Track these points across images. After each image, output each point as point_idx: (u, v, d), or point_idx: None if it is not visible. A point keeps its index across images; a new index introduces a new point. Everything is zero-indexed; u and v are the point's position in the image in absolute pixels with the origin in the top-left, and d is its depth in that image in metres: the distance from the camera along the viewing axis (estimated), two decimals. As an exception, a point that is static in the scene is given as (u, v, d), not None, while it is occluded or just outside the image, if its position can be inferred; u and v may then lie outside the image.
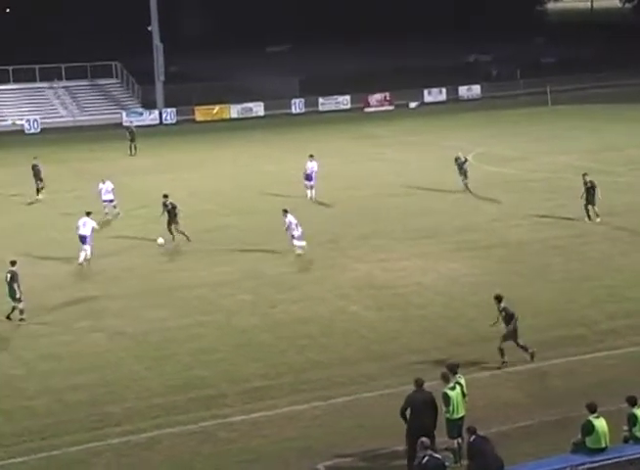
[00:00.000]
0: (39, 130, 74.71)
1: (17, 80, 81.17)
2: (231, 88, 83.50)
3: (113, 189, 41.14)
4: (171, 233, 36.36)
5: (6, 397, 22.60)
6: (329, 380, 22.93)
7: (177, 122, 77.62)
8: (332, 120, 74.79)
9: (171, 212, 36.40)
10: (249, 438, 20.25)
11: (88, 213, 34.88)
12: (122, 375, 23.69)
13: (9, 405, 22.10)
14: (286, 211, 34.09)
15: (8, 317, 27.86)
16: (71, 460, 19.54)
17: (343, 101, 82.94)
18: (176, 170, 53.15)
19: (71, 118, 78.77)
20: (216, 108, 79.88)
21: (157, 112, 78.78)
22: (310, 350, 25.01)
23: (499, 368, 23.06)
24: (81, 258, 33.82)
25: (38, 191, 45.27)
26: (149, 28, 78.93)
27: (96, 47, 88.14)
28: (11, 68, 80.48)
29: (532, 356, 23.35)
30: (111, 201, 40.82)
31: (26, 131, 74.49)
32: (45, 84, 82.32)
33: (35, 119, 75.77)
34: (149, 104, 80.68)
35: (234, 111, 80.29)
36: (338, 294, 29.60)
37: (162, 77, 79.66)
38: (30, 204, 44.87)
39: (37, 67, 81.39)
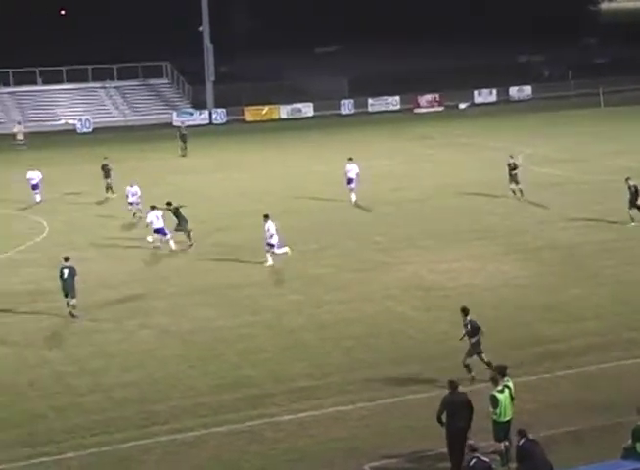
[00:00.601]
0: (91, 130, 75.59)
1: (70, 80, 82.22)
2: (280, 89, 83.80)
3: (137, 192, 41.44)
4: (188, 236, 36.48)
5: (58, 393, 22.90)
6: (376, 381, 22.91)
7: (227, 122, 78.14)
8: (381, 121, 74.76)
9: (179, 216, 36.52)
10: (295, 437, 20.31)
11: (153, 207, 35.96)
12: (170, 374, 23.88)
13: (61, 402, 22.38)
14: (267, 217, 33.27)
15: (71, 314, 28.27)
16: (121, 457, 19.74)
17: (393, 101, 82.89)
18: (226, 170, 53.52)
19: (123, 118, 79.58)
20: (266, 108, 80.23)
21: (207, 112, 79.35)
22: (357, 350, 25.01)
23: (470, 381, 22.06)
24: (173, 247, 35.54)
25: (107, 189, 45.91)
26: (199, 29, 79.51)
27: (147, 48, 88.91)
28: (64, 68, 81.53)
29: (472, 379, 22.12)
30: (137, 203, 41.01)
31: (79, 131, 75.42)
32: (97, 84, 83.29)
33: (87, 119, 76.70)
34: (199, 104, 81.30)
35: (283, 111, 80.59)
36: (385, 294, 29.58)
37: (213, 78, 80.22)
38: (100, 202, 45.31)
39: (90, 67, 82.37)
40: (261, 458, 19.54)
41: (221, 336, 26.48)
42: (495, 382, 18.74)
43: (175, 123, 72.86)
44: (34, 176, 45.48)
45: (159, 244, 35.99)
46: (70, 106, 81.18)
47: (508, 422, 18.45)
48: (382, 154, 56.39)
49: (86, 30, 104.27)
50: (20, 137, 66.83)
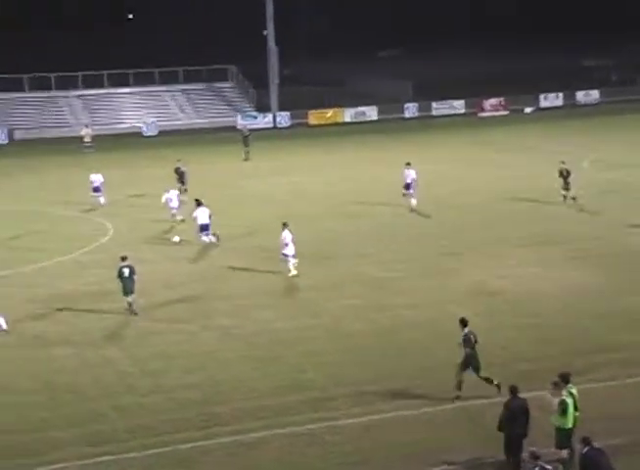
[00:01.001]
0: (156, 133, 76.26)
1: (136, 84, 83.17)
2: (345, 92, 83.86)
3: (178, 195, 41.70)
4: (214, 234, 37.20)
5: (120, 393, 23.10)
6: (437, 386, 22.70)
7: (291, 126, 78.27)
8: (445, 125, 74.37)
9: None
10: (356, 441, 20.24)
11: (199, 203, 36.79)
12: (231, 376, 23.94)
13: (123, 402, 22.58)
14: (285, 225, 32.67)
15: (135, 313, 28.76)
16: (181, 458, 19.83)
17: (457, 105, 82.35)
18: (289, 174, 53.60)
19: (188, 121, 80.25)
20: (330, 112, 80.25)
21: (271, 115, 79.59)
22: (419, 355, 24.85)
23: (452, 401, 21.71)
24: (214, 240, 36.56)
25: (180, 192, 44.88)
26: (264, 32, 79.84)
27: (213, 51, 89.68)
28: (131, 71, 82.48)
29: (499, 388, 21.39)
30: (175, 208, 41.15)
31: (144, 133, 76.16)
32: (163, 87, 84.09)
33: (153, 122, 77.43)
34: (263, 107, 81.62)
35: (347, 115, 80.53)
36: (448, 299, 29.35)
37: (277, 81, 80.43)
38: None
39: (156, 70, 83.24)
40: (322, 461, 19.51)
41: (281, 338, 26.48)
42: (559, 388, 18.45)
43: (239, 127, 73.21)
44: (96, 179, 45.82)
45: (207, 239, 36.48)
46: (137, 109, 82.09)
47: (571, 429, 18.17)
48: (445, 158, 56.06)
49: (152, 34, 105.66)
50: (87, 139, 67.69)
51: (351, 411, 21.56)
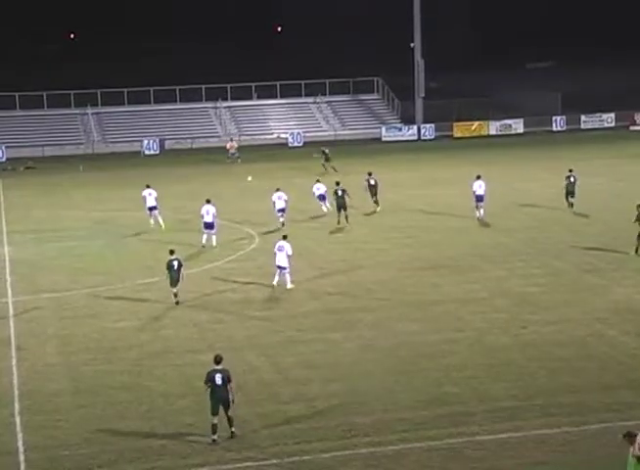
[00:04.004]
0: (302, 144, 77.22)
1: (283, 95, 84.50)
2: (490, 104, 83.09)
3: (286, 200, 43.28)
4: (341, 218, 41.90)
5: (263, 400, 23.40)
6: (582, 405, 22.23)
7: (435, 138, 78.06)
8: (594, 139, 72.85)
9: (342, 199, 42.09)
10: (496, 458, 19.95)
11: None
12: (372, 387, 23.96)
13: (266, 409, 22.85)
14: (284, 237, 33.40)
15: (177, 303, 31.28)
16: (321, 466, 19.93)
17: (607, 119, 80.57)
18: (432, 186, 53.45)
19: (332, 132, 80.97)
20: (475, 124, 79.68)
21: (415, 127, 79.55)
22: (564, 373, 24.35)
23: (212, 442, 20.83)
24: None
25: (377, 203, 45.87)
26: (411, 45, 79.94)
27: (359, 63, 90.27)
28: (278, 83, 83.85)
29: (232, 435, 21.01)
30: (282, 210, 43.13)
31: (290, 144, 77.26)
32: (309, 99, 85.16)
33: (298, 133, 78.45)
34: (408, 119, 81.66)
35: (493, 127, 79.86)
36: (594, 317, 28.69)
37: (422, 93, 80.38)
38: (369, 214, 45.69)
39: (303, 82, 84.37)
40: (461, 477, 19.33)
41: (424, 351, 26.38)
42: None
43: (384, 139, 73.46)
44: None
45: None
46: (283, 120, 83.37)
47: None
48: (593, 172, 54.85)
49: (300, 47, 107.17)
50: (232, 151, 68.95)
51: (492, 427, 21.28)
